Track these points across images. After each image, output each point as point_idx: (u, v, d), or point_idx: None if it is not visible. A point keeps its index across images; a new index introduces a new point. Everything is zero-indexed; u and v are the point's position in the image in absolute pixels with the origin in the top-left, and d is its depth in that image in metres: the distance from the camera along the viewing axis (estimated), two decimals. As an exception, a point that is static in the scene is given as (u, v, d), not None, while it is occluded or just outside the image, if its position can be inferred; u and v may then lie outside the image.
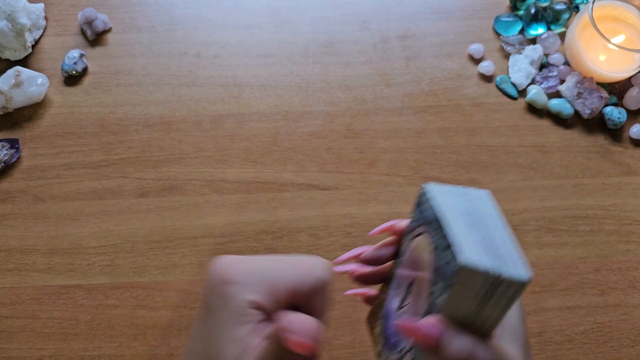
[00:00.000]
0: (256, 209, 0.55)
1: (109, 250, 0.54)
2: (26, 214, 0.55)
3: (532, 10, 0.61)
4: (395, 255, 0.37)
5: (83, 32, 0.62)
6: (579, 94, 0.57)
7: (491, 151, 0.58)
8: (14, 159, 0.57)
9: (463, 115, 0.59)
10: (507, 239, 0.30)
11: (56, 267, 0.53)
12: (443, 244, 0.29)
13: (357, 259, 0.37)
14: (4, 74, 0.58)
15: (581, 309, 0.52)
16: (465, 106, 0.59)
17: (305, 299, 0.32)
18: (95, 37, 0.62)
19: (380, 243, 0.37)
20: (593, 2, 0.56)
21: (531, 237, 0.54)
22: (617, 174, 0.57)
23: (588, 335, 0.52)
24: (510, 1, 0.63)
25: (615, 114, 0.57)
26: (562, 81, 0.59)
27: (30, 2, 0.61)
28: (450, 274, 0.28)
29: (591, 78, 0.58)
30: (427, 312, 0.31)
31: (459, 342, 0.29)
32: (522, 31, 0.62)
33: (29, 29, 0.60)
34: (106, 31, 0.62)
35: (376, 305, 0.38)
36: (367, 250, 0.37)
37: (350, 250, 0.38)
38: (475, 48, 0.61)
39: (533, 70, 0.59)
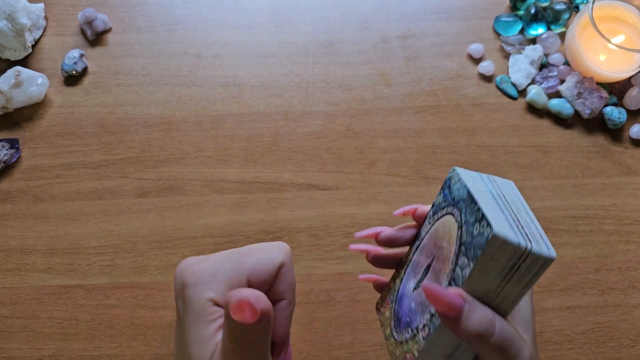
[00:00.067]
0: (256, 209, 0.55)
1: (109, 250, 0.54)
2: (26, 214, 0.55)
3: (532, 10, 0.61)
4: (413, 240, 0.37)
5: (83, 32, 0.62)
6: (579, 94, 0.57)
7: (491, 151, 0.58)
8: (14, 159, 0.57)
9: (463, 115, 0.59)
10: (533, 221, 0.31)
11: (56, 267, 0.53)
12: (473, 219, 0.30)
13: (376, 237, 0.37)
14: (4, 74, 0.58)
15: (581, 309, 0.52)
16: (465, 106, 0.59)
17: (266, 286, 0.32)
18: (95, 37, 0.62)
19: (401, 225, 0.37)
20: (593, 2, 0.56)
21: (531, 237, 0.54)
22: (617, 174, 0.57)
23: (588, 335, 0.52)
24: (510, 1, 0.63)
25: (615, 114, 0.57)
26: (562, 81, 0.59)
27: (30, 2, 0.61)
28: (480, 245, 0.28)
29: (591, 78, 0.58)
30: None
31: (480, 314, 0.29)
32: (522, 31, 0.62)
33: (29, 29, 0.60)
34: (106, 31, 0.62)
35: (386, 291, 0.39)
36: (386, 230, 0.37)
37: (368, 229, 0.38)
38: (475, 48, 0.61)
39: (533, 70, 0.59)
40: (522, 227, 0.29)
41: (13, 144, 0.57)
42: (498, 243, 0.28)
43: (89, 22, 0.61)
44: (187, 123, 0.58)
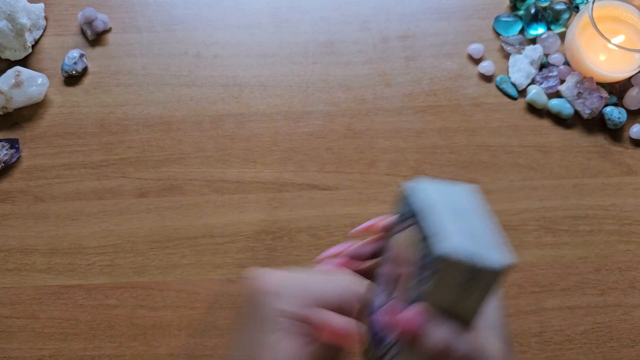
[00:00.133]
0: (256, 209, 0.55)
1: (109, 250, 0.54)
2: (26, 214, 0.55)
3: (532, 10, 0.61)
4: (380, 253, 0.37)
5: (83, 32, 0.62)
6: (579, 94, 0.57)
7: (491, 151, 0.58)
8: (14, 159, 0.57)
9: (463, 115, 0.59)
10: (489, 229, 0.30)
11: (56, 267, 0.53)
12: (427, 234, 0.30)
13: (340, 255, 0.38)
14: (4, 74, 0.58)
15: (581, 309, 0.52)
16: (465, 106, 0.59)
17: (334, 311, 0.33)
18: (95, 37, 0.62)
19: (366, 239, 0.38)
20: (593, 2, 0.56)
21: (531, 237, 0.54)
22: (617, 174, 0.57)
23: (588, 335, 0.52)
24: (510, 1, 0.63)
25: (615, 114, 0.57)
26: (562, 81, 0.59)
27: (30, 2, 0.61)
28: (433, 262, 0.29)
29: (591, 78, 0.58)
30: (412, 303, 0.31)
31: (439, 333, 0.30)
32: (522, 31, 0.62)
33: (29, 29, 0.60)
34: (106, 31, 0.62)
35: (363, 304, 0.39)
36: (349, 246, 0.38)
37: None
38: (475, 48, 0.61)
39: (533, 70, 0.59)
40: (474, 238, 0.29)
41: (13, 144, 0.57)
42: (448, 260, 0.28)
43: (89, 22, 0.61)
44: (187, 123, 0.58)
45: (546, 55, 0.61)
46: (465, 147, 0.58)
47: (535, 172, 0.57)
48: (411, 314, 0.30)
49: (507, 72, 0.60)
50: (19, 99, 0.57)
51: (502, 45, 0.61)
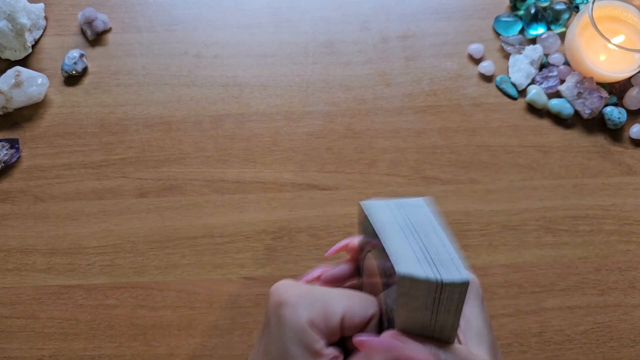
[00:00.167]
0: (256, 209, 0.55)
1: (109, 250, 0.54)
2: (26, 214, 0.55)
3: (532, 10, 0.61)
4: (358, 272, 0.37)
5: (83, 32, 0.62)
6: (579, 94, 0.57)
7: (491, 151, 0.58)
8: (14, 159, 0.57)
9: (463, 115, 0.59)
10: (445, 244, 0.30)
11: (56, 267, 0.53)
12: (384, 258, 0.29)
13: (318, 280, 0.38)
14: (4, 74, 0.58)
15: (581, 309, 0.52)
16: (465, 106, 0.59)
17: (352, 331, 0.33)
18: (95, 37, 0.62)
19: (338, 262, 0.38)
20: (593, 2, 0.56)
21: (531, 237, 0.54)
22: (617, 174, 0.57)
23: (588, 335, 0.52)
24: (510, 1, 0.63)
25: (615, 114, 0.57)
26: (562, 81, 0.59)
27: (30, 2, 0.61)
28: (396, 283, 0.28)
29: (591, 78, 0.58)
30: (389, 326, 0.31)
31: (416, 353, 0.29)
32: (522, 31, 0.62)
33: (29, 29, 0.60)
34: (106, 31, 0.62)
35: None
36: (325, 271, 0.38)
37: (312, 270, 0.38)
38: (475, 48, 0.61)
39: (533, 70, 0.59)
40: (430, 256, 0.29)
41: (13, 144, 0.57)
42: (407, 282, 0.28)
43: (89, 22, 0.61)
44: (187, 123, 0.58)
45: (546, 55, 0.61)
46: (465, 147, 0.58)
47: (535, 172, 0.57)
48: (383, 340, 0.30)
49: (507, 72, 0.60)
50: (19, 99, 0.57)
51: (502, 45, 0.61)
